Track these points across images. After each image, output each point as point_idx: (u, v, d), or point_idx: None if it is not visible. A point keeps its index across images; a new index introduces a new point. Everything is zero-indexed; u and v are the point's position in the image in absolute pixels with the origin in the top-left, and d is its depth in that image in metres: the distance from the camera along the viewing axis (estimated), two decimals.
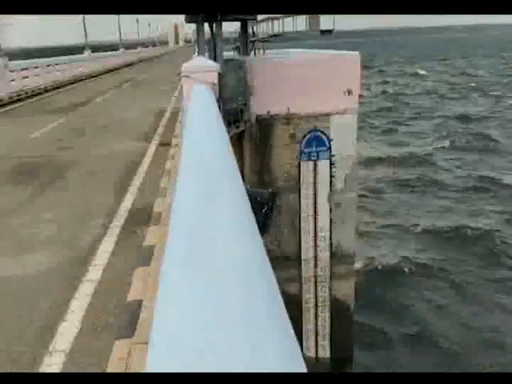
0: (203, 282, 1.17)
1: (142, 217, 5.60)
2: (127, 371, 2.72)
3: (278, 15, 12.74)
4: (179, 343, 0.92)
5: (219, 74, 6.16)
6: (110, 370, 2.82)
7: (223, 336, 0.93)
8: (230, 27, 16.57)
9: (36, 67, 22.92)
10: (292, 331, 1.02)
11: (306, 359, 10.52)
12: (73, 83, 26.55)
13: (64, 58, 27.72)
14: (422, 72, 71.91)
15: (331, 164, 11.01)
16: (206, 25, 10.31)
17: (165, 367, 0.86)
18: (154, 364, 0.89)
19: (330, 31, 12.22)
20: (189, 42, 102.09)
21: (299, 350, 0.97)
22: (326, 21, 12.11)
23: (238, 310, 1.04)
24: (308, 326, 11.29)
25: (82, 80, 28.56)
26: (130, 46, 61.25)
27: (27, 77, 21.59)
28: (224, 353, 0.89)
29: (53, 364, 3.08)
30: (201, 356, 0.87)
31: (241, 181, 2.20)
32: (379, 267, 15.51)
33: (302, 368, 0.91)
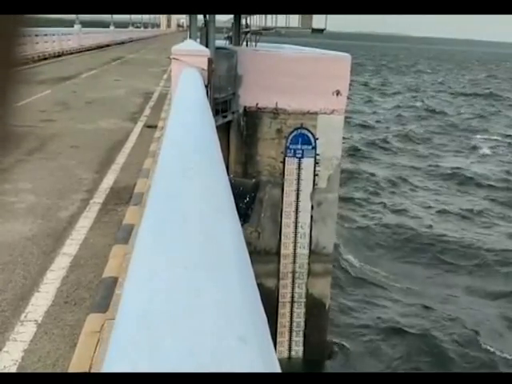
0: (175, 268, 1.07)
1: (123, 196, 5.54)
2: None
3: None
4: (142, 340, 0.84)
5: (210, 59, 6.10)
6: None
7: (192, 331, 0.86)
8: (224, 17, 16.44)
9: None
10: (267, 327, 0.97)
11: (279, 358, 10.51)
12: (60, 56, 25.94)
13: (52, 29, 26.79)
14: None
15: (316, 163, 11.04)
16: None
17: (123, 367, 0.77)
18: (111, 361, 0.82)
19: (321, 30, 12.16)
20: (181, 26, 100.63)
21: (273, 349, 0.92)
22: (319, 20, 12.07)
23: (211, 301, 0.96)
24: (282, 321, 11.32)
25: (70, 53, 27.93)
26: (120, 24, 60.12)
27: None
28: (192, 349, 0.81)
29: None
30: (167, 351, 0.80)
31: (223, 163, 2.19)
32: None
33: (275, 368, 0.85)
